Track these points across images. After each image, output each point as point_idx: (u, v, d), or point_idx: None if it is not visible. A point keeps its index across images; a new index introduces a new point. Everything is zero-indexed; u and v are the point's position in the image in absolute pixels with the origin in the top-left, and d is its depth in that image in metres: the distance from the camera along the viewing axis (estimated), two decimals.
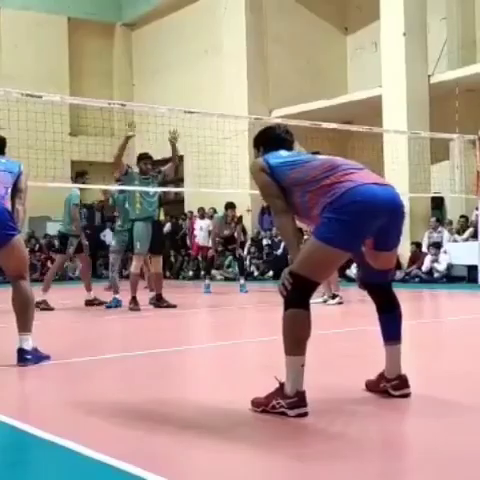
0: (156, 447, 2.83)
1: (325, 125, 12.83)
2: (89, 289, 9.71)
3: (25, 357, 4.63)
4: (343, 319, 8.13)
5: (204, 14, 19.36)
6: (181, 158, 17.98)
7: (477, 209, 13.28)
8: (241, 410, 3.36)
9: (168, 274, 16.72)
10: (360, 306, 8.53)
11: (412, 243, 14.47)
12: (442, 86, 15.02)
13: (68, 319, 8.65)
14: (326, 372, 4.33)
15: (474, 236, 13.19)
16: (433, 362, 4.98)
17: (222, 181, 14.39)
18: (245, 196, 17.43)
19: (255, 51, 17.73)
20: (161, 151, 10.38)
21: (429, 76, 15.24)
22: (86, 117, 13.74)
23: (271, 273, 16.32)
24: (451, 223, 14.61)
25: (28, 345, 4.67)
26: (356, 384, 3.80)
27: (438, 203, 15.74)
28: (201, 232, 16.25)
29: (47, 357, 4.79)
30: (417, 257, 14.19)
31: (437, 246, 13.80)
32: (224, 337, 6.70)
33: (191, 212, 18.06)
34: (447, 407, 3.45)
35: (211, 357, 5.53)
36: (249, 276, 16.06)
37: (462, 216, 14.61)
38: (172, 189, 9.35)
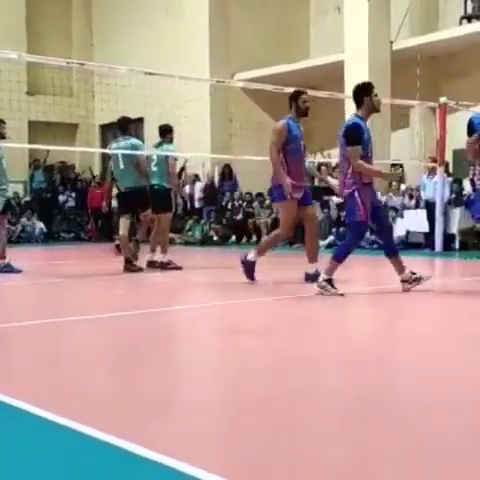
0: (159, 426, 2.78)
1: (287, 90, 12.71)
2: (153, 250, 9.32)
3: None
4: None
5: None
6: (141, 120, 17.75)
7: (426, 176, 13.28)
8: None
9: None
10: None
11: None
12: (404, 53, 15.02)
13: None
14: None
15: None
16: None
17: (183, 144, 14.25)
18: (206, 159, 17.36)
19: (217, 13, 17.45)
20: (121, 112, 10.19)
21: (391, 42, 15.22)
22: (44, 76, 13.40)
23: (234, 238, 16.27)
24: (417, 190, 14.59)
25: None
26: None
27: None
28: None
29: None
30: None
31: (395, 210, 13.87)
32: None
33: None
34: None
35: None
36: (209, 241, 16.04)
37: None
38: (134, 152, 9.15)
